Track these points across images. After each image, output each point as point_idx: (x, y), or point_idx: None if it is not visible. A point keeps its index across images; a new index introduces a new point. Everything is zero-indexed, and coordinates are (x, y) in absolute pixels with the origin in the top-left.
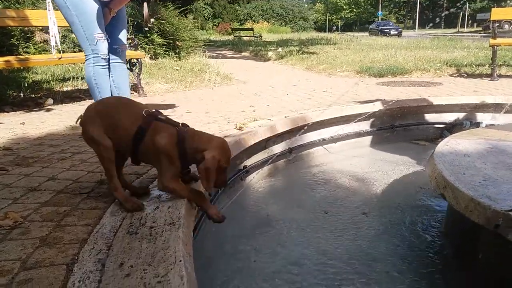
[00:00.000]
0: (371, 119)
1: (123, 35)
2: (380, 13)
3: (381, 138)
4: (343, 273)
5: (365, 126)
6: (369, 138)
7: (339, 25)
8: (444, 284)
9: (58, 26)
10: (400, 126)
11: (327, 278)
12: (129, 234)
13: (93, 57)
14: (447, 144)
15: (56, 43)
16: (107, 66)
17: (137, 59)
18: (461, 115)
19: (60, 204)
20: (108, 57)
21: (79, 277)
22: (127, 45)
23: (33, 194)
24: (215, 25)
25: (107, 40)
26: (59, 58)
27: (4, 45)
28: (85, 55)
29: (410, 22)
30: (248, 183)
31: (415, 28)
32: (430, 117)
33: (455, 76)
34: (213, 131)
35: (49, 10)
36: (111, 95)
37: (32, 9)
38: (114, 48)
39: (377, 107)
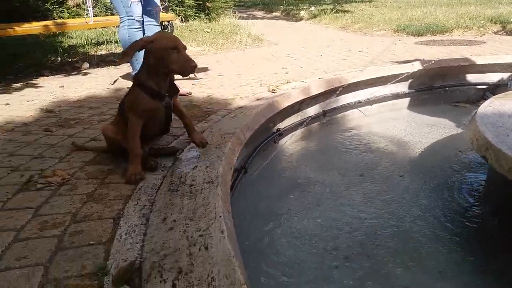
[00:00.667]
0: (409, 80)
1: None
2: None
3: (419, 100)
4: (379, 236)
5: (403, 87)
6: (406, 100)
7: None
8: (483, 248)
9: None
10: (439, 88)
11: (363, 240)
12: (170, 191)
13: (128, 19)
14: (490, 105)
15: (87, 7)
16: (141, 28)
17: (168, 21)
18: (505, 75)
19: (104, 163)
20: (142, 19)
21: (126, 230)
22: (161, 7)
23: (78, 154)
24: None
25: (141, 2)
26: (88, 23)
27: (39, 10)
28: (120, 18)
29: None
30: (281, 146)
31: None
32: (472, 77)
33: (500, 34)
34: (246, 94)
35: None
36: None
37: None
38: (148, 10)
39: (416, 67)
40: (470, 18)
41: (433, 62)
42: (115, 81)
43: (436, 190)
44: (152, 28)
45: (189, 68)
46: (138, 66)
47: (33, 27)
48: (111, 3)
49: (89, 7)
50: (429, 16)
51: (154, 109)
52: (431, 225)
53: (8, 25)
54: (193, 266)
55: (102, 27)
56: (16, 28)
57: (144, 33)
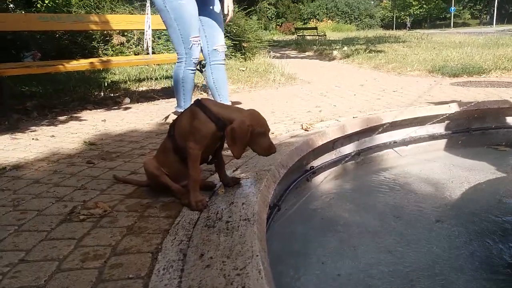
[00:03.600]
0: (446, 122)
1: (221, 36)
2: (453, 8)
3: (456, 142)
4: (417, 280)
5: (439, 128)
6: (443, 142)
7: (408, 21)
8: None
9: (139, 30)
10: (477, 130)
11: (402, 284)
12: (207, 227)
13: (186, 59)
14: None
15: (148, 45)
16: (195, 71)
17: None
18: None
19: (143, 197)
20: (198, 61)
21: (164, 265)
22: (225, 46)
23: (118, 186)
24: (279, 25)
25: (201, 45)
26: (147, 59)
27: (86, 48)
28: (178, 57)
29: (486, 17)
30: (315, 184)
31: (492, 24)
32: (511, 120)
33: None
34: (279, 131)
35: (147, 14)
36: (212, 95)
37: (111, 13)
38: (214, 49)
39: (453, 108)
40: (508, 60)
41: (471, 103)
42: (167, 118)
43: (475, 237)
44: (219, 67)
45: (268, 154)
46: (183, 103)
47: (81, 64)
48: (171, 41)
49: (150, 45)
50: (465, 57)
51: (213, 137)
52: (468, 274)
53: (59, 61)
54: None
55: (159, 64)
56: (66, 65)
57: (211, 72)
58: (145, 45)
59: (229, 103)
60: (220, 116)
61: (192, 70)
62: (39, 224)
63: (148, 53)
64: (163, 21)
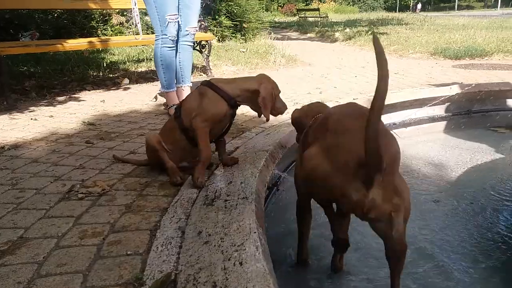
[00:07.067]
0: (447, 104)
1: (195, 18)
2: None
3: (456, 124)
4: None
5: (439, 110)
6: (443, 124)
7: (411, 4)
8: None
9: (138, 8)
10: (478, 112)
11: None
12: (206, 205)
13: (162, 38)
14: None
15: (136, 24)
16: (174, 48)
17: (206, 41)
18: None
19: (141, 176)
20: (176, 38)
21: (162, 242)
22: (198, 28)
23: (117, 166)
24: (280, 6)
25: (178, 22)
26: (137, 39)
27: (85, 27)
28: (156, 35)
29: (491, 0)
30: None
31: (497, 7)
32: None
33: None
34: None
35: None
36: (175, 75)
37: None
38: (186, 30)
39: (454, 90)
40: (511, 43)
41: (472, 85)
42: (155, 97)
43: (472, 216)
44: (186, 48)
45: (283, 112)
46: (164, 82)
47: (80, 43)
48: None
49: (138, 23)
50: (468, 39)
51: (225, 115)
52: (465, 254)
53: (57, 41)
54: (227, 281)
55: (143, 45)
56: (64, 44)
57: (177, 51)
58: (137, 24)
59: (190, 85)
60: (232, 94)
61: (169, 47)
62: (38, 202)
63: (138, 33)
64: None
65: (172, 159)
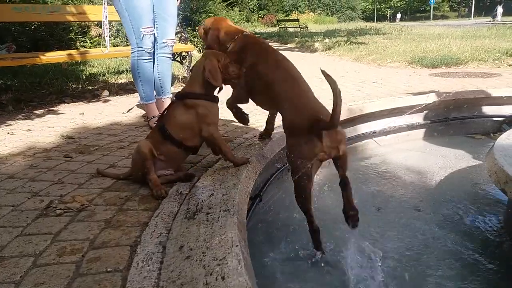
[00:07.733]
0: (424, 112)
1: (173, 30)
2: (432, 1)
3: (434, 131)
4: (394, 271)
5: (418, 118)
6: (422, 131)
7: (388, 14)
8: (504, 282)
9: (112, 21)
10: (455, 119)
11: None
12: (187, 219)
13: (138, 50)
14: (508, 138)
15: (104, 37)
16: (151, 60)
17: (187, 52)
18: None
19: (121, 190)
20: (152, 50)
21: (142, 258)
22: (175, 40)
23: (96, 180)
24: (261, 17)
25: (154, 35)
26: (104, 52)
27: (63, 40)
28: (131, 48)
29: (465, 10)
30: None
31: (470, 17)
32: (487, 110)
33: None
34: (260, 123)
35: (104, 4)
36: (154, 87)
37: (88, 4)
38: (163, 42)
39: (431, 98)
40: (485, 51)
41: (448, 93)
42: (129, 110)
43: (454, 223)
44: (164, 60)
45: (237, 77)
46: (143, 94)
47: (58, 56)
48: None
49: (106, 36)
50: (444, 48)
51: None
52: (450, 260)
53: (35, 53)
54: None
55: (122, 57)
56: (42, 57)
57: (154, 64)
58: (105, 37)
59: (170, 96)
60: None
61: (146, 59)
62: (14, 219)
63: (105, 47)
64: (116, 11)
65: (165, 164)
